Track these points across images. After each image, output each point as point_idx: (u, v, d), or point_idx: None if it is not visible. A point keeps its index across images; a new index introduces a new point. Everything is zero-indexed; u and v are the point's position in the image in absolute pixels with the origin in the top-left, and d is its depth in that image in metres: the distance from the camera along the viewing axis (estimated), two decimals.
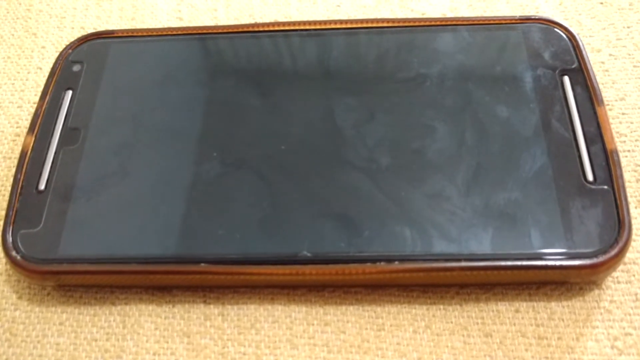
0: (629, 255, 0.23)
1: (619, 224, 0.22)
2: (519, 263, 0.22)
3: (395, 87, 0.26)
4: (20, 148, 0.27)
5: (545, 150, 0.24)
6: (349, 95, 0.26)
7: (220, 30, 0.28)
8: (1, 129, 0.29)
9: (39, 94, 0.29)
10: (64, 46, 0.29)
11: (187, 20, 0.32)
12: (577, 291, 0.23)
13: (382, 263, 0.22)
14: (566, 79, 0.26)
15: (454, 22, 0.28)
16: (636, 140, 0.26)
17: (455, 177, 0.24)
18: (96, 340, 0.23)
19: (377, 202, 0.23)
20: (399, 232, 0.23)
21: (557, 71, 0.26)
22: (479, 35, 0.27)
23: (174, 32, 0.29)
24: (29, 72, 0.30)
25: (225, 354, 0.23)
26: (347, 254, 0.23)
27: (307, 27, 0.28)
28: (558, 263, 0.22)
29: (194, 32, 0.28)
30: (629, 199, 0.24)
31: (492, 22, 0.28)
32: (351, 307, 0.23)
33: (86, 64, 0.28)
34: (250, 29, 0.28)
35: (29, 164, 0.25)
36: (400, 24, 0.28)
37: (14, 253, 0.23)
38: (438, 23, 0.28)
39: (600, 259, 0.22)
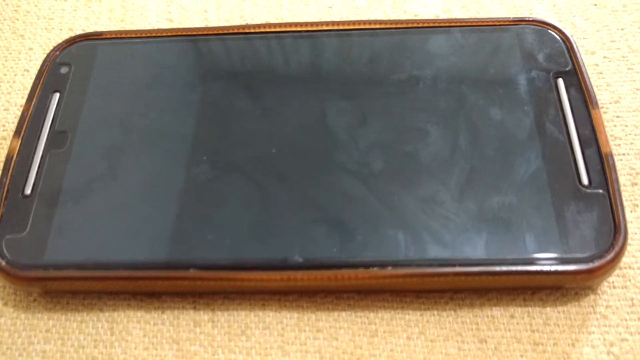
0: (625, 259, 0.23)
1: (614, 229, 0.22)
2: (513, 268, 0.22)
3: (388, 89, 0.26)
4: (4, 151, 0.27)
5: (539, 154, 0.24)
6: (341, 98, 0.26)
7: (210, 32, 0.28)
8: None
9: (25, 96, 0.28)
10: (52, 48, 0.28)
11: (177, 22, 0.31)
12: (573, 296, 0.23)
13: (375, 268, 0.22)
14: (560, 81, 0.26)
15: (447, 24, 0.27)
16: (631, 144, 0.26)
17: (448, 181, 0.24)
18: (83, 347, 0.23)
19: (370, 207, 0.23)
20: (392, 236, 0.22)
21: (551, 73, 0.26)
22: (472, 37, 0.27)
23: (163, 34, 0.28)
24: (15, 75, 0.30)
25: None
26: (340, 259, 0.22)
27: (299, 28, 0.28)
28: (553, 268, 0.22)
29: (184, 33, 0.28)
30: (625, 203, 0.24)
31: (485, 23, 0.27)
32: (344, 313, 0.23)
33: (74, 66, 0.27)
34: (241, 30, 0.28)
35: (14, 168, 0.25)
36: (393, 26, 0.27)
37: None
38: (431, 25, 0.27)
39: (596, 263, 0.21)
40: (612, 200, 0.23)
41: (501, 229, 0.22)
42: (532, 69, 0.26)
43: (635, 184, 0.25)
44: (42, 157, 0.25)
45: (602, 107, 0.27)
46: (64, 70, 0.27)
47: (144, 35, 0.28)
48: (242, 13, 0.31)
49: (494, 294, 0.23)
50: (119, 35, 0.28)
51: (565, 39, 0.27)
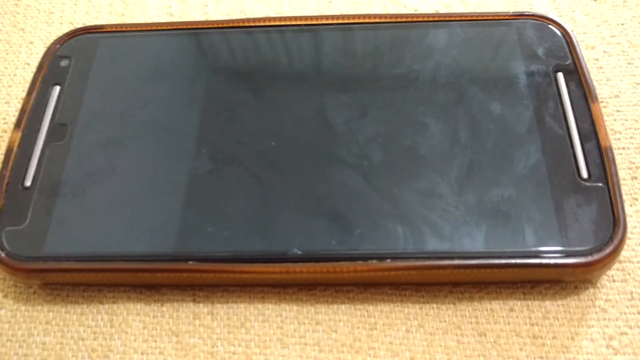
0: (624, 253, 0.23)
1: (613, 222, 0.22)
2: (512, 261, 0.22)
3: (388, 83, 0.26)
4: (5, 144, 0.27)
5: (539, 147, 0.24)
6: (341, 92, 0.26)
7: (210, 26, 0.28)
8: None
9: (26, 89, 0.28)
10: (52, 41, 0.28)
11: (177, 16, 0.31)
12: (572, 290, 0.23)
13: (374, 261, 0.22)
14: (560, 75, 0.26)
15: (446, 18, 0.27)
16: (631, 138, 0.26)
17: (448, 174, 0.24)
18: (83, 339, 0.23)
19: (369, 200, 0.23)
20: (391, 229, 0.22)
21: (551, 68, 0.26)
22: (472, 31, 0.27)
23: (164, 27, 0.28)
24: (16, 68, 0.30)
25: (214, 354, 0.22)
26: (339, 251, 0.22)
27: (299, 22, 0.28)
28: (552, 261, 0.22)
29: (184, 27, 0.28)
30: (624, 197, 0.24)
31: (485, 18, 0.27)
32: (343, 306, 0.23)
33: (74, 59, 0.28)
34: (241, 24, 0.28)
35: (15, 160, 0.25)
36: (393, 20, 0.27)
37: None
38: (431, 19, 0.27)
39: (595, 257, 0.21)
40: (612, 194, 0.23)
41: (500, 222, 0.22)
42: (531, 63, 0.26)
43: (635, 177, 0.25)
44: (42, 149, 0.25)
45: (602, 102, 0.27)
46: (64, 63, 0.27)
47: (144, 28, 0.28)
48: (243, 7, 0.31)
49: (494, 288, 0.23)
50: (119, 29, 0.28)
51: (565, 33, 0.27)
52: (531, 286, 0.23)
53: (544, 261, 0.22)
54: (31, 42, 0.31)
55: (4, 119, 0.28)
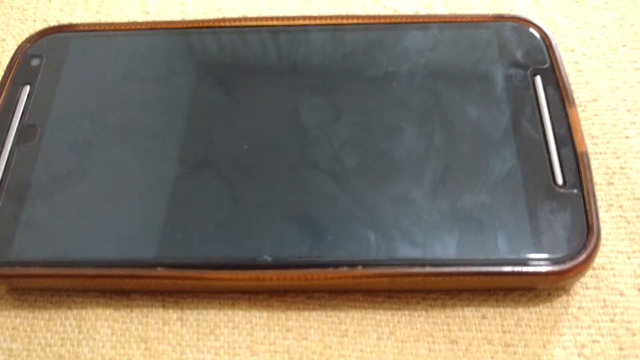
0: (599, 260, 0.23)
1: (587, 229, 0.22)
2: (485, 269, 0.21)
3: (364, 86, 0.26)
4: None
5: (514, 153, 0.24)
6: (315, 94, 0.25)
7: (184, 26, 0.28)
8: None
9: None
10: (24, 39, 0.28)
11: (153, 14, 0.31)
12: (545, 297, 0.22)
13: (345, 268, 0.22)
14: (538, 79, 0.25)
15: (426, 20, 0.27)
16: (608, 142, 0.26)
17: (422, 180, 0.23)
18: (50, 345, 0.23)
19: (341, 205, 0.23)
20: (363, 236, 0.22)
21: (529, 71, 0.25)
22: (450, 33, 0.27)
23: (137, 27, 0.28)
24: None
25: None
26: (309, 258, 0.22)
27: (275, 23, 0.27)
28: (525, 269, 0.21)
29: (158, 26, 0.28)
30: (599, 203, 0.24)
31: (464, 20, 0.27)
32: (314, 313, 0.23)
33: (45, 59, 0.27)
34: (217, 24, 0.27)
35: None
36: (371, 21, 0.27)
37: None
38: (410, 20, 0.27)
39: (568, 265, 0.21)
40: (586, 201, 0.22)
41: (473, 228, 0.22)
42: (509, 66, 0.26)
43: (611, 183, 0.25)
44: (10, 151, 0.25)
45: (580, 105, 0.27)
46: (35, 62, 0.27)
47: (117, 28, 0.28)
48: (220, 5, 0.31)
49: (466, 295, 0.23)
50: (92, 28, 0.28)
51: (544, 36, 0.26)
52: (504, 293, 0.23)
53: (516, 269, 0.21)
54: (3, 40, 0.30)
55: None
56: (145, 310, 0.23)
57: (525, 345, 0.22)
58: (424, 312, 0.22)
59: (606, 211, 0.24)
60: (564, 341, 0.22)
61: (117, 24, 0.28)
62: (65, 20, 0.31)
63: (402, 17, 0.27)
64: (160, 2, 0.31)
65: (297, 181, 0.23)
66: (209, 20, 0.27)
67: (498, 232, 0.22)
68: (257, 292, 0.23)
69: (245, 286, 0.22)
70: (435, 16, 0.27)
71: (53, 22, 0.31)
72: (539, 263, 0.21)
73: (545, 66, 0.26)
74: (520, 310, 0.22)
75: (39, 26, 0.31)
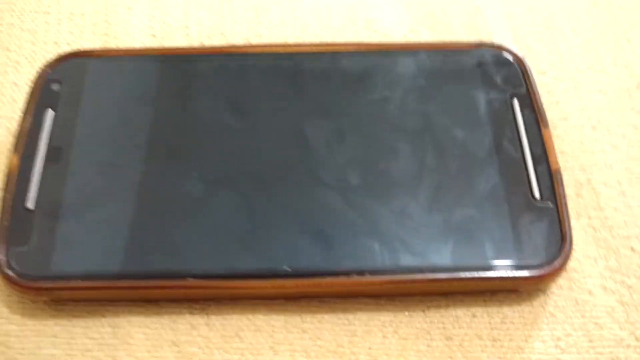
0: (570, 264, 0.26)
1: (561, 238, 0.25)
2: (475, 274, 0.25)
3: (362, 109, 0.28)
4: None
5: (497, 170, 0.27)
6: (320, 117, 0.28)
7: (196, 52, 0.30)
8: None
9: (16, 109, 0.30)
10: (40, 62, 0.30)
11: (159, 37, 0.33)
12: (526, 297, 0.26)
13: (354, 276, 0.25)
14: (516, 102, 0.29)
15: (415, 47, 0.30)
16: (576, 158, 0.29)
17: (418, 196, 0.26)
18: (89, 350, 0.25)
19: (349, 220, 0.26)
20: (368, 247, 0.25)
21: (507, 95, 0.29)
22: (437, 59, 0.30)
23: (151, 52, 0.30)
24: (4, 87, 0.31)
25: None
26: (323, 267, 0.25)
27: (279, 49, 0.30)
28: (510, 274, 0.25)
29: (170, 52, 0.30)
30: (570, 212, 0.27)
31: (450, 47, 0.30)
32: (326, 316, 0.26)
33: (65, 83, 0.29)
34: (225, 51, 0.30)
35: (16, 183, 0.26)
36: (366, 48, 0.30)
37: (8, 270, 0.25)
38: (401, 47, 0.30)
39: (546, 269, 0.25)
40: (560, 213, 0.26)
41: (464, 238, 0.25)
42: (490, 91, 0.29)
43: (580, 195, 0.28)
44: (41, 172, 0.27)
45: (552, 123, 0.30)
46: (55, 87, 0.29)
47: (131, 53, 0.30)
48: (223, 30, 0.33)
49: (459, 297, 0.26)
50: (107, 54, 0.30)
51: (520, 62, 0.29)
52: (491, 295, 0.26)
53: (502, 274, 0.25)
54: (17, 62, 0.32)
55: None
56: (174, 316, 0.26)
57: (510, 340, 0.25)
58: (422, 313, 0.26)
59: (576, 220, 0.28)
60: (542, 335, 0.25)
61: (131, 50, 0.30)
62: (74, 42, 0.33)
63: (393, 44, 0.30)
64: (165, 25, 0.33)
65: (309, 198, 0.26)
66: (218, 47, 0.30)
67: (485, 241, 0.25)
68: (275, 298, 0.26)
69: (266, 293, 0.25)
70: (423, 43, 0.30)
71: (63, 44, 0.32)
72: (521, 268, 0.25)
73: (522, 90, 0.29)
74: (505, 309, 0.26)
75: (50, 48, 0.32)
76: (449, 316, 0.26)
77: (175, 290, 0.25)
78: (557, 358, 0.25)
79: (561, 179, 0.27)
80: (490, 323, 0.25)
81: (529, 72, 0.29)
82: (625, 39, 0.33)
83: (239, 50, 0.30)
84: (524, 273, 0.25)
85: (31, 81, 0.29)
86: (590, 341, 0.25)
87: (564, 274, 0.26)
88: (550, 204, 0.26)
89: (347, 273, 0.25)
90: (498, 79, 0.29)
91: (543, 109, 0.28)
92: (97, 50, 0.30)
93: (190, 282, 0.25)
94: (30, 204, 0.26)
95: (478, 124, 0.28)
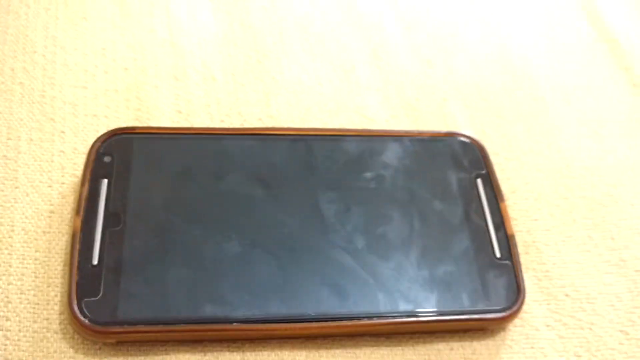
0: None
1: (517, 288, 0.33)
2: (454, 317, 0.32)
3: (362, 184, 0.36)
4: (55, 224, 0.34)
5: (467, 235, 0.35)
6: (330, 190, 0.35)
7: (224, 132, 0.36)
8: (37, 205, 0.34)
9: (65, 174, 0.35)
10: (85, 133, 0.35)
11: (185, 113, 0.39)
12: (490, 334, 0.34)
13: (365, 319, 0.32)
14: (479, 180, 0.37)
15: (400, 134, 0.38)
16: (524, 223, 0.38)
17: (409, 255, 0.34)
18: None
19: (358, 274, 0.33)
20: (374, 296, 0.32)
21: (473, 175, 0.37)
22: (418, 144, 0.37)
23: (188, 132, 0.36)
24: (52, 155, 0.36)
25: None
26: (340, 313, 0.32)
27: (294, 132, 0.37)
28: (480, 317, 0.32)
29: (205, 132, 0.36)
30: (522, 268, 0.35)
31: (427, 135, 0.38)
32: (338, 350, 0.32)
33: (115, 156, 0.34)
34: (250, 132, 0.36)
35: (80, 242, 0.32)
36: (365, 134, 0.37)
37: (82, 318, 0.30)
38: (389, 134, 0.38)
39: (507, 313, 0.33)
40: (515, 269, 0.34)
41: (446, 289, 0.33)
42: (459, 171, 0.37)
43: (527, 253, 0.36)
44: (102, 233, 0.32)
45: (506, 196, 0.38)
46: (107, 159, 0.34)
47: (170, 131, 0.36)
48: (239, 110, 0.39)
49: (440, 334, 0.33)
50: (149, 131, 0.36)
51: (481, 149, 0.38)
52: (464, 332, 0.33)
53: (474, 317, 0.32)
54: (62, 132, 0.37)
55: (50, 200, 0.35)
56: (215, 353, 0.31)
57: None
58: (412, 347, 0.33)
59: (525, 273, 0.36)
60: None
61: (169, 128, 0.36)
62: (111, 115, 0.38)
63: (384, 131, 0.38)
64: (189, 103, 0.39)
65: (326, 258, 0.33)
66: (243, 129, 0.36)
67: (461, 291, 0.33)
68: (298, 338, 0.32)
69: (294, 334, 0.32)
70: (407, 132, 0.38)
71: (101, 117, 0.38)
72: (489, 312, 0.32)
73: (483, 171, 0.37)
74: (474, 343, 0.33)
75: (90, 120, 0.37)
76: (432, 349, 0.33)
77: (220, 333, 0.31)
78: None
79: (515, 242, 0.35)
80: (463, 355, 0.33)
81: (487, 156, 0.37)
82: (558, 128, 0.42)
83: (263, 132, 0.36)
84: (492, 316, 0.32)
85: (76, 149, 0.34)
86: None
87: (519, 315, 0.34)
88: (508, 262, 0.34)
89: (358, 317, 0.32)
90: (465, 162, 0.37)
91: (499, 186, 0.36)
92: (140, 128, 0.36)
93: (234, 326, 0.31)
94: (95, 260, 0.31)
95: (451, 198, 0.36)
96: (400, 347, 0.33)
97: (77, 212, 0.33)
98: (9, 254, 0.33)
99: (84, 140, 0.36)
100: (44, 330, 0.31)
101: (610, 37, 0.48)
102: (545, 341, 0.34)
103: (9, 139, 0.36)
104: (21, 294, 0.32)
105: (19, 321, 0.31)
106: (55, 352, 0.31)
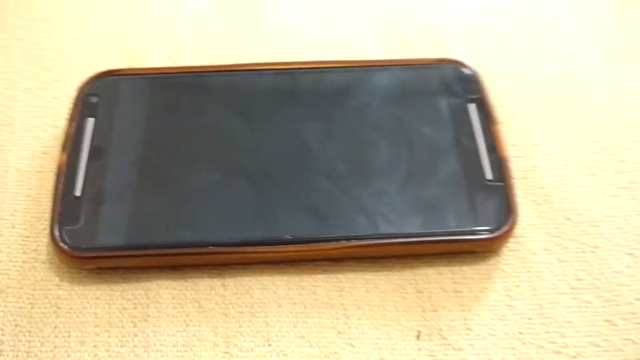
0: (518, 231, 0.32)
1: (509, 210, 0.32)
2: (440, 239, 0.31)
3: (347, 113, 0.35)
4: (47, 164, 0.35)
5: (457, 158, 0.33)
6: (313, 119, 0.34)
7: (208, 70, 0.36)
8: (31, 148, 0.35)
9: (59, 118, 0.36)
10: (79, 81, 0.36)
11: (176, 57, 0.39)
12: (482, 258, 0.32)
13: (343, 242, 0.31)
14: (471, 105, 0.35)
15: (389, 63, 0.37)
16: (524, 148, 0.36)
17: (393, 179, 0.32)
18: (126, 309, 0.31)
19: (338, 198, 0.32)
20: (354, 218, 0.31)
21: (464, 99, 0.35)
22: (408, 73, 0.36)
23: (172, 71, 0.36)
24: (47, 102, 0.37)
25: (227, 314, 0.30)
26: (317, 236, 0.31)
27: (277, 67, 0.36)
28: (468, 238, 0.31)
29: (187, 70, 0.36)
30: (518, 192, 0.33)
31: (417, 62, 0.37)
32: (320, 275, 0.31)
33: (101, 96, 0.35)
34: (234, 68, 0.36)
35: (65, 175, 0.32)
36: (351, 65, 0.36)
37: (62, 244, 0.30)
38: (377, 64, 0.37)
39: (497, 234, 0.31)
40: (507, 191, 0.32)
41: (431, 211, 0.31)
42: (451, 97, 0.35)
43: (526, 177, 0.34)
44: (85, 167, 0.33)
45: (504, 122, 0.36)
46: (94, 99, 0.35)
47: (154, 71, 0.36)
48: (229, 52, 0.39)
49: (427, 258, 0.32)
50: (134, 72, 0.36)
51: (474, 74, 0.36)
52: (453, 256, 0.32)
53: (462, 238, 0.31)
54: (57, 80, 0.38)
55: (43, 143, 0.36)
56: (195, 279, 0.31)
57: (469, 291, 0.31)
58: (397, 272, 0.32)
59: (523, 198, 0.34)
60: (495, 287, 0.31)
61: (153, 68, 0.37)
62: (105, 63, 0.39)
63: (372, 61, 0.37)
64: (180, 49, 0.40)
65: (305, 182, 0.32)
66: (227, 65, 0.36)
67: (448, 213, 0.31)
68: (278, 262, 0.32)
69: (272, 258, 0.31)
70: (397, 60, 0.37)
71: (96, 65, 0.38)
72: (477, 233, 0.31)
73: (476, 96, 0.35)
74: (465, 267, 0.32)
75: (84, 69, 0.38)
76: (419, 274, 0.32)
77: (197, 257, 0.31)
78: (507, 304, 0.31)
79: (509, 164, 0.33)
80: (453, 279, 0.31)
81: (481, 82, 0.36)
82: (564, 54, 0.40)
83: (246, 68, 0.36)
84: (480, 237, 0.31)
85: (70, 96, 0.35)
86: (534, 290, 0.31)
87: (512, 239, 0.32)
88: (500, 184, 0.32)
89: (336, 239, 0.31)
90: (456, 88, 0.36)
91: (493, 110, 0.35)
92: (126, 69, 0.36)
93: (211, 249, 0.30)
94: (78, 192, 0.32)
95: (441, 124, 0.34)
96: (385, 272, 0.32)
97: (64, 148, 0.33)
98: (3, 192, 0.34)
99: (78, 87, 0.37)
100: (32, 260, 0.32)
101: None
102: (543, 264, 0.32)
103: (7, 89, 0.38)
104: (12, 227, 0.33)
105: (9, 252, 0.32)
106: (42, 280, 0.31)
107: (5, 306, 0.31)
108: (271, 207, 0.32)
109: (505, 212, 0.32)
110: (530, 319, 0.30)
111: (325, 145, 0.34)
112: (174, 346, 0.30)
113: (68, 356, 0.29)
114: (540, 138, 0.36)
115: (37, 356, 0.29)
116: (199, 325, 0.30)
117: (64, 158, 0.33)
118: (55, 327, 0.30)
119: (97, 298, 0.31)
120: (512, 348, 0.30)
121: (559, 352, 0.29)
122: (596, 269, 0.32)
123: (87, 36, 0.40)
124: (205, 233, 0.31)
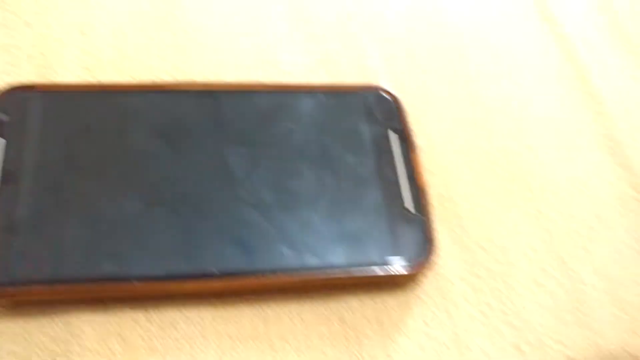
0: (435, 259, 0.34)
1: (428, 242, 0.33)
2: (362, 271, 0.32)
3: (272, 138, 0.35)
4: None
5: (378, 189, 0.34)
6: (237, 144, 0.34)
7: (128, 88, 0.35)
8: None
9: None
10: None
11: (92, 70, 0.37)
12: (402, 287, 0.33)
13: (269, 275, 0.31)
14: (392, 134, 0.36)
15: (314, 88, 0.37)
16: (441, 176, 0.37)
17: (317, 209, 0.33)
18: (44, 344, 0.30)
19: (264, 229, 0.32)
20: (279, 251, 0.32)
21: (386, 127, 0.36)
22: (333, 98, 0.37)
23: (90, 89, 0.35)
24: None
25: (153, 348, 0.30)
26: (243, 269, 0.31)
27: (202, 88, 0.35)
28: (389, 270, 0.32)
29: (108, 88, 0.35)
30: (435, 221, 0.35)
31: (342, 89, 0.37)
32: (246, 308, 0.32)
33: (11, 114, 0.33)
34: (156, 87, 0.35)
35: None
36: (276, 88, 0.36)
37: None
38: (303, 88, 0.37)
39: (416, 266, 0.32)
40: (426, 222, 0.33)
41: (355, 243, 0.32)
42: (373, 125, 0.36)
43: (443, 205, 0.36)
44: None
45: (423, 149, 0.38)
46: (3, 117, 0.33)
47: (72, 88, 0.35)
48: (150, 65, 0.38)
49: (351, 288, 0.33)
50: (49, 88, 0.34)
51: (396, 101, 0.37)
52: (375, 285, 0.33)
53: (382, 270, 0.32)
54: None
55: None
56: (118, 313, 0.31)
57: (390, 320, 0.32)
58: (321, 302, 0.32)
59: (441, 225, 0.35)
60: (412, 314, 0.33)
61: (69, 85, 0.35)
62: (14, 72, 0.36)
63: (297, 85, 0.37)
64: (97, 60, 0.38)
65: (230, 213, 0.32)
66: (149, 84, 0.35)
67: (370, 244, 0.32)
68: (203, 295, 0.32)
69: (199, 291, 0.31)
70: (322, 85, 0.37)
71: (2, 75, 0.36)
72: (398, 266, 0.32)
73: (397, 124, 0.36)
74: (385, 296, 0.33)
75: None
76: (342, 303, 0.33)
77: (120, 291, 0.30)
78: (425, 332, 0.32)
79: (427, 194, 0.34)
80: (374, 308, 0.33)
81: (402, 109, 0.37)
82: (478, 80, 0.41)
83: (168, 87, 0.35)
84: (400, 269, 0.32)
85: None
86: (451, 318, 0.33)
87: (430, 267, 0.34)
88: (419, 215, 0.34)
89: (263, 273, 0.31)
90: (378, 115, 0.36)
91: (412, 138, 0.36)
92: (39, 85, 0.34)
93: (134, 284, 0.30)
94: None
95: (363, 152, 0.35)
96: (309, 303, 0.32)
97: None
98: None
99: None
100: None
101: None
102: (458, 293, 0.34)
103: None
104: None
105: None
106: None
107: None
108: (197, 238, 0.31)
109: (424, 244, 0.33)
110: (447, 347, 0.32)
111: (250, 173, 0.33)
112: None
113: None
114: (456, 166, 0.38)
115: None
116: None
117: None
118: None
119: (14, 334, 0.30)
120: None
121: None
122: (505, 296, 0.34)
123: None
124: (129, 266, 0.30)
